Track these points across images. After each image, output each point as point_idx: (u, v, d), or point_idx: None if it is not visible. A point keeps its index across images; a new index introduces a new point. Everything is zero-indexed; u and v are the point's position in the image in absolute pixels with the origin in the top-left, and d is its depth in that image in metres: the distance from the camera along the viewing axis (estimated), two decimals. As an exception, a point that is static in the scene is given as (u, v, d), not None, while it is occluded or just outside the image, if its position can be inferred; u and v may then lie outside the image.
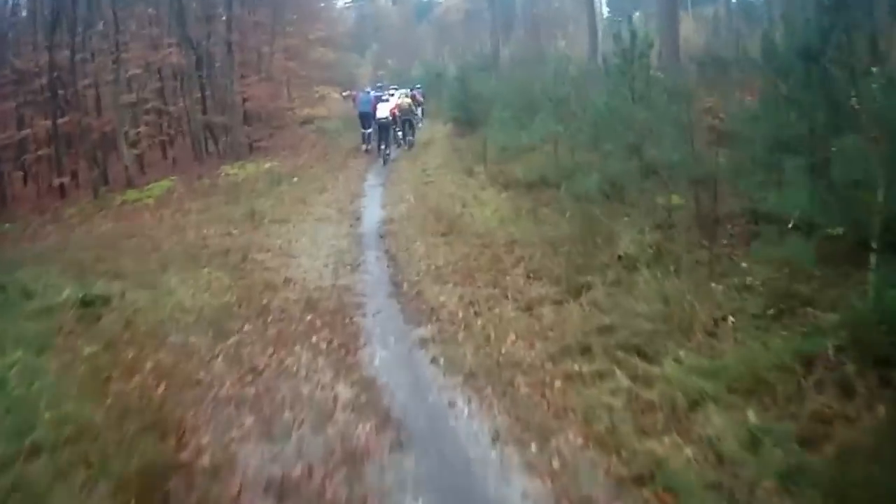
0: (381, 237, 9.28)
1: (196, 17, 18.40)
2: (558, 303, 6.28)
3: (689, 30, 26.55)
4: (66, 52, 17.09)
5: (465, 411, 4.61)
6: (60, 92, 17.36)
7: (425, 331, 6.04)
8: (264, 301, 7.00)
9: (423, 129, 20.72)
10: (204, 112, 19.11)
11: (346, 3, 47.35)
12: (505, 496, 3.65)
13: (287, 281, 7.58)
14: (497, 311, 6.29)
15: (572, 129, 10.04)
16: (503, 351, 5.47)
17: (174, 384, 5.26)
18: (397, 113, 17.19)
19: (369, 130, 17.70)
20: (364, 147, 18.02)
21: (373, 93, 18.70)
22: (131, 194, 15.59)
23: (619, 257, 6.81)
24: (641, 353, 4.89)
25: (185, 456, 4.18)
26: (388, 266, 7.96)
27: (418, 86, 24.66)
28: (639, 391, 4.40)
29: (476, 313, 6.28)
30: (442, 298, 6.67)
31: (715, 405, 3.97)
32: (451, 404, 4.72)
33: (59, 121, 16.83)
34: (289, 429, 4.49)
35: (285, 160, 17.72)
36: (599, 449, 3.90)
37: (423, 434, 4.36)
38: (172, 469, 3.98)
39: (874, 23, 6.87)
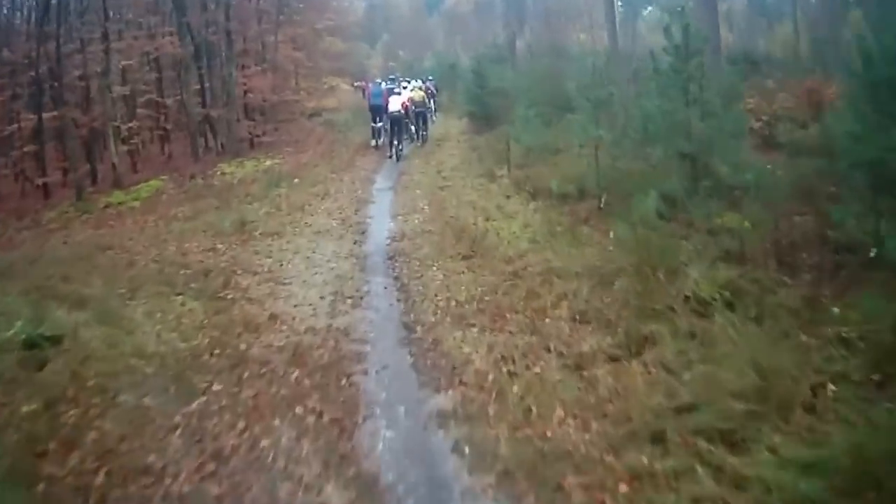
0: (391, 258, 7.77)
1: (195, 4, 16.89)
2: (615, 360, 4.91)
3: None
4: (56, 42, 15.67)
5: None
6: (49, 84, 15.96)
7: (445, 399, 4.62)
8: (242, 347, 5.59)
9: (437, 124, 19.32)
10: (203, 105, 17.67)
11: (356, -7, 46.18)
12: None
13: (272, 318, 6.13)
14: (537, 370, 4.90)
15: (616, 134, 8.57)
16: (549, 434, 4.11)
17: (118, 470, 4.06)
18: (410, 106, 15.85)
19: (380, 125, 16.34)
20: (374, 142, 16.63)
21: (385, 85, 17.22)
22: (117, 196, 14.22)
23: (687, 298, 5.40)
24: (728, 441, 3.72)
25: None
26: (397, 299, 6.48)
27: (430, 78, 23.29)
28: (727, 498, 3.29)
29: (511, 374, 4.86)
30: (466, 350, 5.24)
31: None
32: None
33: (45, 115, 15.39)
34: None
35: (288, 157, 16.33)
36: None
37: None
38: None
39: None
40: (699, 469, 3.52)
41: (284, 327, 5.93)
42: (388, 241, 8.51)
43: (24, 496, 3.83)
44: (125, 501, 3.82)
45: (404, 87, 17.05)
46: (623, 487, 3.54)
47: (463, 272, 6.90)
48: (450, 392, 4.68)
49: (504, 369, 4.92)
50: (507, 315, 5.81)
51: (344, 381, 4.90)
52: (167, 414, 4.67)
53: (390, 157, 14.96)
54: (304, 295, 6.69)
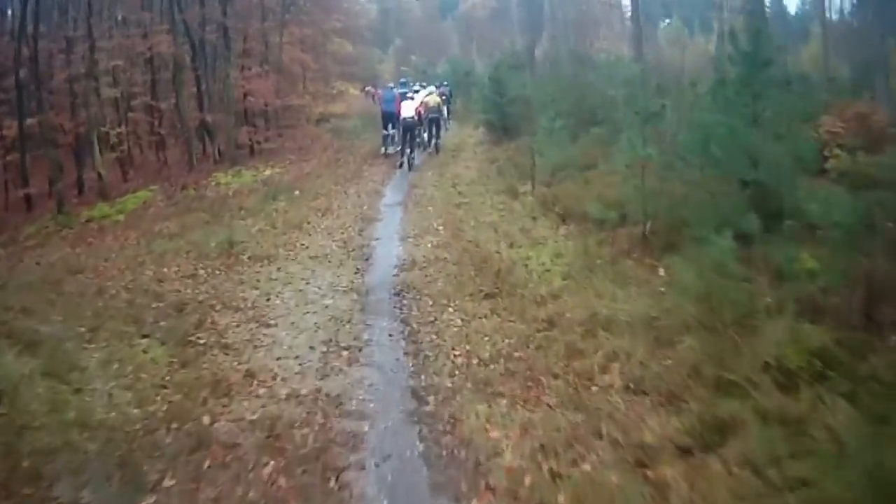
0: (398, 294, 6.49)
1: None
2: (687, 453, 3.72)
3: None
4: (43, 42, 14.60)
5: None
6: (35, 87, 14.86)
7: (468, 517, 3.39)
8: (206, 420, 4.36)
9: (451, 133, 18.10)
10: (200, 109, 16.54)
11: (368, -4, 45.42)
12: None
13: (248, 377, 4.88)
14: (587, 466, 3.67)
15: (664, 152, 7.33)
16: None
17: None
18: (423, 112, 14.65)
19: (392, 132, 15.10)
20: (384, 151, 15.45)
21: (397, 90, 16.04)
22: (101, 209, 13.12)
23: (768, 365, 4.19)
24: None
25: None
26: (405, 352, 5.20)
27: (445, 83, 22.06)
28: None
29: (554, 474, 3.62)
30: (494, 434, 4.01)
31: None
32: None
33: (28, 121, 14.29)
34: None
35: (290, 166, 15.18)
36: None
37: None
38: None
39: None
40: None
41: (262, 391, 4.68)
42: (396, 270, 7.25)
43: None
44: None
45: (416, 91, 15.87)
46: None
47: (485, 316, 5.64)
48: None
49: (545, 466, 3.68)
50: (544, 380, 4.57)
51: (333, 482, 3.64)
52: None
53: (401, 166, 13.78)
54: (290, 343, 5.45)
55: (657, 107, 7.39)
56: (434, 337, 5.34)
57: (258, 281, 7.13)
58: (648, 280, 6.25)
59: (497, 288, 6.23)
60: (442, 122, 16.38)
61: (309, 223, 9.50)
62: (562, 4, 36.01)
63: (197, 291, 7.03)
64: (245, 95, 16.83)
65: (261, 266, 7.62)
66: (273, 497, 3.57)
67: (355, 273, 7.21)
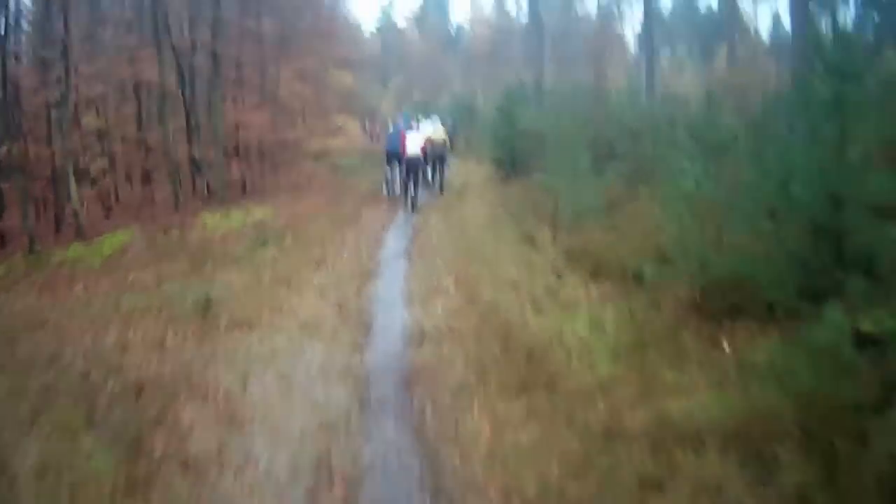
0: (406, 386, 5.21)
1: (181, 22, 14.71)
2: None
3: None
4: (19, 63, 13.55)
5: None
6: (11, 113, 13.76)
7: None
8: None
9: (454, 169, 16.99)
10: (188, 142, 15.41)
11: (369, 31, 45.16)
12: None
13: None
14: None
15: (723, 188, 6.11)
16: None
17: None
18: (428, 148, 13.58)
19: (396, 171, 14.01)
20: (386, 190, 14.38)
21: (403, 124, 14.93)
22: (75, 250, 11.93)
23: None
24: None
25: None
26: (419, 488, 3.82)
27: (448, 117, 21.11)
28: None
29: None
30: None
31: None
32: None
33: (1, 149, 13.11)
34: None
35: (283, 207, 14.00)
36: None
37: None
38: None
39: None
40: None
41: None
42: (403, 346, 5.93)
43: None
44: None
45: (413, 124, 14.85)
46: None
47: (522, 424, 4.36)
48: None
49: None
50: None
51: None
52: None
53: (405, 207, 12.74)
54: (268, 463, 4.10)
55: (727, 135, 6.10)
56: (457, 462, 4.00)
57: (235, 357, 5.84)
58: (713, 360, 5.05)
59: (531, 378, 4.96)
60: (447, 159, 15.32)
61: (300, 277, 8.24)
62: (564, 37, 35.56)
63: (162, 369, 5.75)
64: (238, 128, 15.71)
65: (240, 335, 6.34)
66: None
67: (353, 350, 5.89)
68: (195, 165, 15.51)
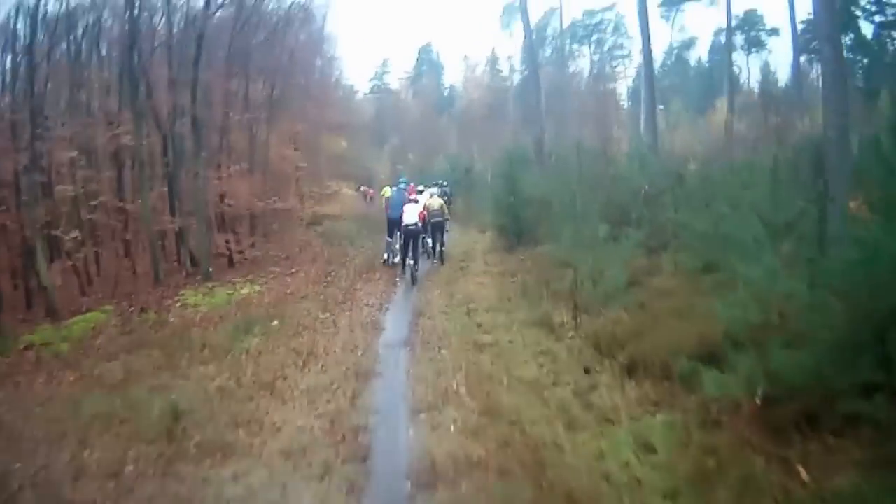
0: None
1: (161, 84, 13.91)
2: None
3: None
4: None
5: None
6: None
7: None
8: None
9: (454, 237, 16.07)
10: (171, 212, 14.44)
11: (364, 94, 45.09)
12: None
13: None
14: None
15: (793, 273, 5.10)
16: None
17: None
18: (427, 216, 12.78)
19: (396, 241, 13.21)
20: (386, 257, 13.71)
21: (406, 190, 14.16)
22: (44, 333, 10.78)
23: None
24: None
25: None
26: None
27: (444, 182, 20.34)
28: None
29: None
30: None
31: None
32: None
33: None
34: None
35: (272, 281, 13.01)
36: None
37: None
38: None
39: None
40: None
41: None
42: (411, 489, 4.77)
43: None
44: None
45: (419, 192, 14.14)
46: None
47: None
48: None
49: None
50: None
51: None
52: None
53: (404, 278, 12.12)
54: None
55: (794, 210, 5.09)
56: None
57: (202, 502, 4.70)
58: (791, 494, 4.03)
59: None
60: (446, 227, 14.43)
61: (285, 379, 7.09)
62: (558, 94, 35.32)
63: (115, 510, 4.63)
64: (223, 198, 14.80)
65: (210, 466, 5.16)
66: None
67: (349, 495, 4.72)
68: (179, 236, 14.52)
